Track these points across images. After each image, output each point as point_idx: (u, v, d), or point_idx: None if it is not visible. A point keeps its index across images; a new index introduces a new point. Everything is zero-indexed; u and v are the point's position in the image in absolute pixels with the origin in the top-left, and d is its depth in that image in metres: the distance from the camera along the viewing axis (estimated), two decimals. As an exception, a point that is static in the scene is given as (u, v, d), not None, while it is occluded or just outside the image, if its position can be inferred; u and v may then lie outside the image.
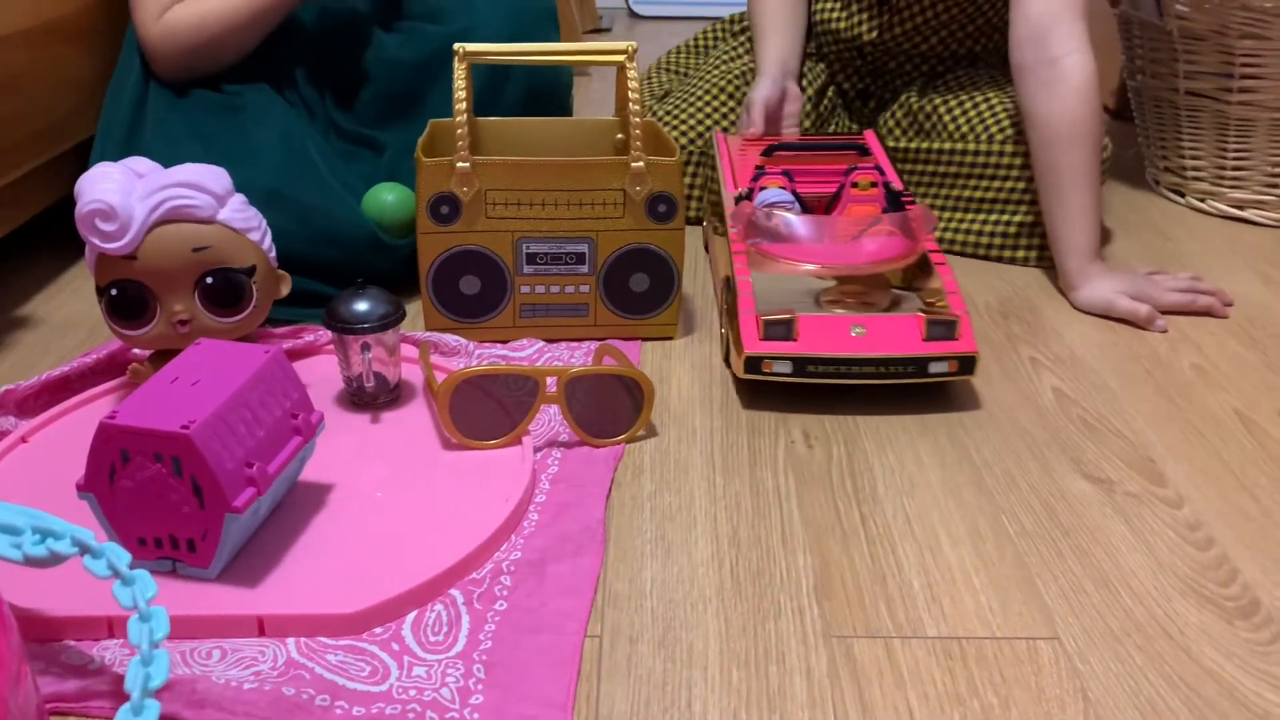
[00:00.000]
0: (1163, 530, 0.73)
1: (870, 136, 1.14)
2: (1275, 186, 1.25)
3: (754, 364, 0.85)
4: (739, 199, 1.00)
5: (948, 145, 1.17)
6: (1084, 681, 0.60)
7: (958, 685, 0.59)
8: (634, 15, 2.35)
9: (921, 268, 0.94)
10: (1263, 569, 0.69)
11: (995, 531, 0.73)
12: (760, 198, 1.00)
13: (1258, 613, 0.65)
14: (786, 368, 0.84)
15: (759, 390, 0.89)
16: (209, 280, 0.77)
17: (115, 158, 1.03)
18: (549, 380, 0.79)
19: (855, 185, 1.00)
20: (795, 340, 0.85)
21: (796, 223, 0.94)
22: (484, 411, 0.79)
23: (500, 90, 1.22)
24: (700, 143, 1.25)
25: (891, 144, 1.22)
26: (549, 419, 0.84)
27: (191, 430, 0.61)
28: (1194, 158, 1.29)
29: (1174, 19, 1.23)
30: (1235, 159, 1.25)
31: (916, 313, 0.87)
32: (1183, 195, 1.33)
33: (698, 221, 1.27)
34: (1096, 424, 0.86)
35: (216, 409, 0.63)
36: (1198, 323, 1.03)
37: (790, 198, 1.01)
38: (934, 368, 0.85)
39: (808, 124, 1.27)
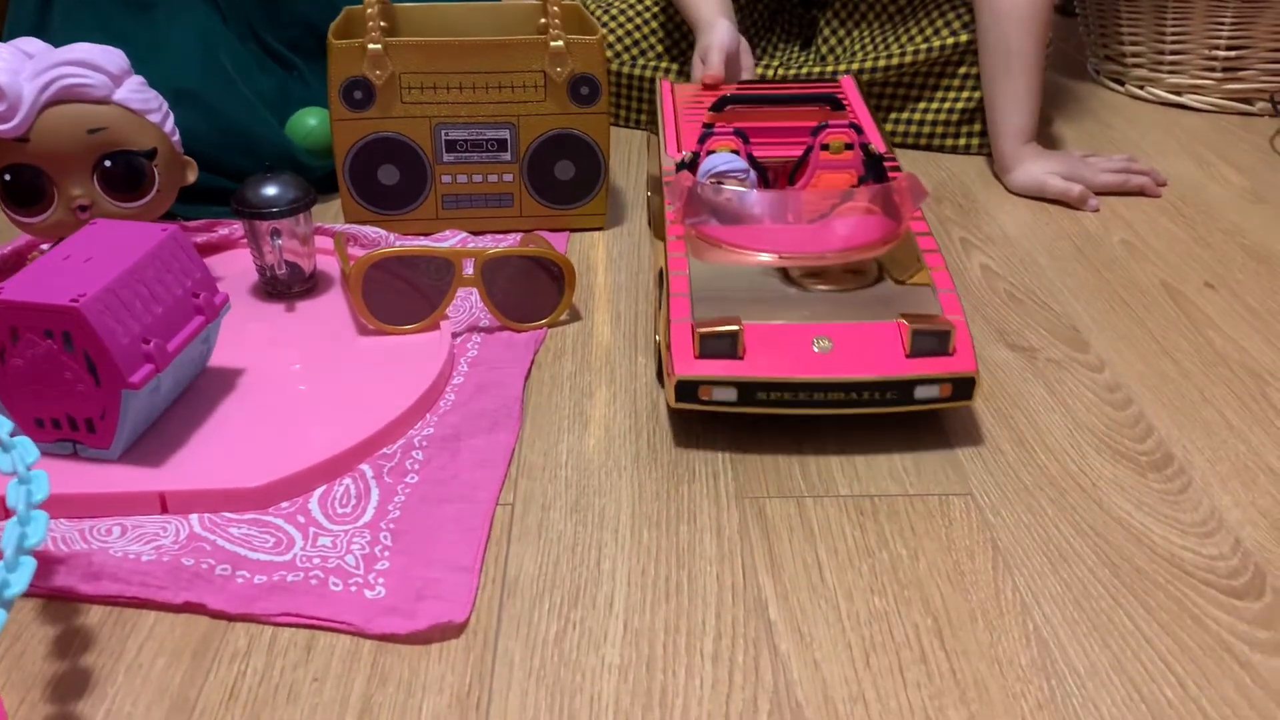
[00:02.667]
0: (1082, 392, 0.73)
1: (847, 83, 0.96)
2: (1212, 70, 1.24)
3: (688, 390, 0.65)
4: (680, 166, 0.81)
5: (908, 58, 1.12)
6: (994, 533, 0.60)
7: (868, 539, 0.59)
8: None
9: (905, 254, 0.74)
10: (1178, 425, 0.69)
11: (915, 398, 0.72)
12: (705, 165, 0.80)
13: (1170, 465, 0.66)
14: (730, 395, 0.65)
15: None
16: (107, 163, 0.74)
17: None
18: (466, 263, 0.77)
19: (826, 148, 0.79)
20: (741, 358, 0.66)
21: (747, 198, 0.74)
22: (400, 297, 0.77)
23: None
24: (627, 28, 1.21)
25: (845, 66, 1.15)
26: (470, 305, 0.82)
27: (81, 303, 0.59)
28: (1133, 43, 1.28)
29: (1112, -100, 1.21)
30: (1173, 43, 1.24)
31: (898, 318, 0.67)
32: (1122, 84, 1.31)
33: (637, 125, 1.23)
34: (1023, 297, 0.86)
35: (109, 283, 0.61)
36: (1130, 202, 1.03)
37: (743, 165, 0.80)
38: (921, 393, 0.65)
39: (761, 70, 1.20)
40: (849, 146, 0.79)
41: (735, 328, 0.65)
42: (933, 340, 0.65)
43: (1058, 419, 0.70)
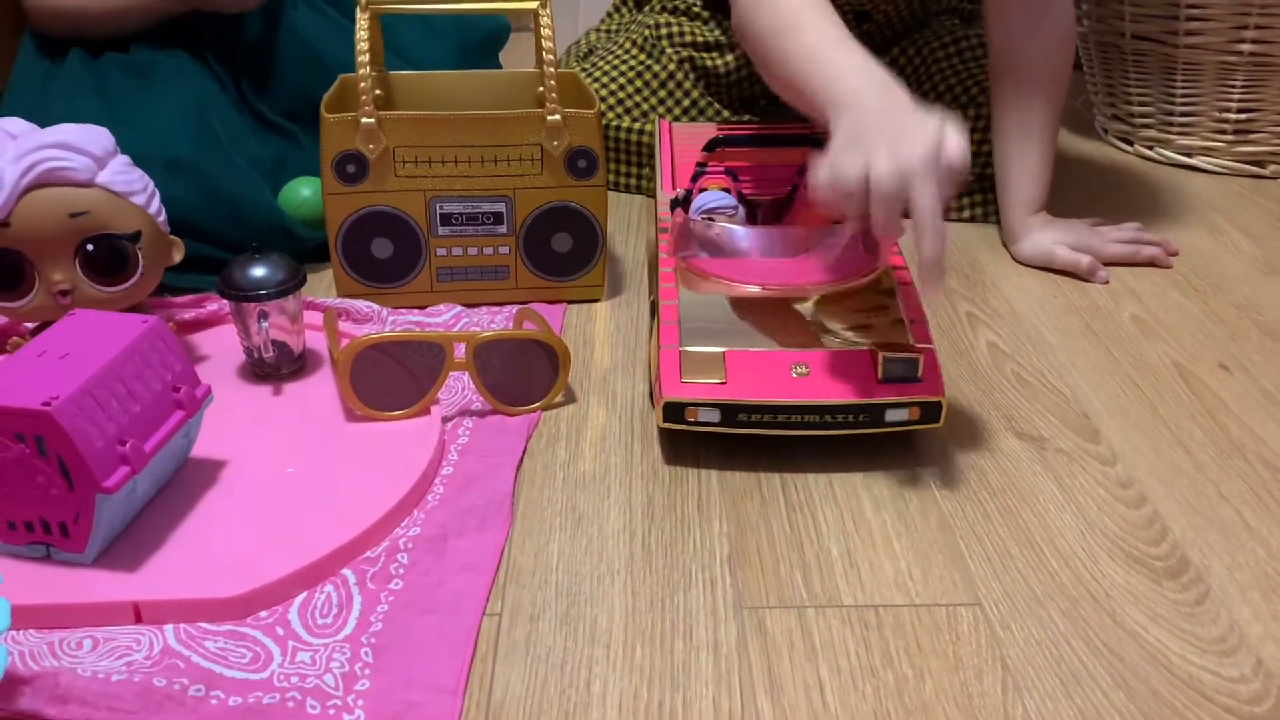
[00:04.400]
0: (1093, 488, 0.70)
1: None
2: (1223, 132, 1.22)
3: (675, 411, 0.71)
4: (674, 204, 0.86)
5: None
6: (1003, 649, 0.57)
7: (872, 657, 0.57)
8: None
9: (881, 288, 0.79)
10: (1194, 526, 0.67)
11: (920, 494, 0.70)
12: (697, 202, 0.86)
13: (1186, 572, 0.63)
14: (714, 416, 0.70)
15: (685, 352, 0.86)
16: (90, 247, 0.72)
17: (25, 112, 0.99)
18: (457, 346, 0.75)
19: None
20: (724, 382, 0.71)
21: (733, 233, 0.80)
22: (390, 381, 0.75)
23: (430, 47, 1.18)
24: (618, 95, 1.19)
25: None
26: (462, 387, 0.80)
27: (54, 407, 0.57)
28: (1141, 104, 1.26)
29: (1119, -40, 1.19)
30: (1183, 104, 1.22)
31: (870, 346, 0.73)
32: (1131, 144, 1.30)
33: (638, 190, 1.21)
34: (1031, 379, 0.83)
35: (84, 383, 0.59)
36: (1140, 273, 1.00)
37: (733, 202, 0.86)
38: (891, 416, 0.70)
39: None
40: None
41: (719, 352, 0.71)
42: (902, 367, 0.71)
43: (1069, 519, 0.67)
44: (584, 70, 1.22)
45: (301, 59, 1.09)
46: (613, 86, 1.19)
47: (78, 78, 0.99)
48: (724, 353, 0.72)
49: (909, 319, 0.75)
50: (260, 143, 1.04)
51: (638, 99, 1.18)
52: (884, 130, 0.67)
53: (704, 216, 0.84)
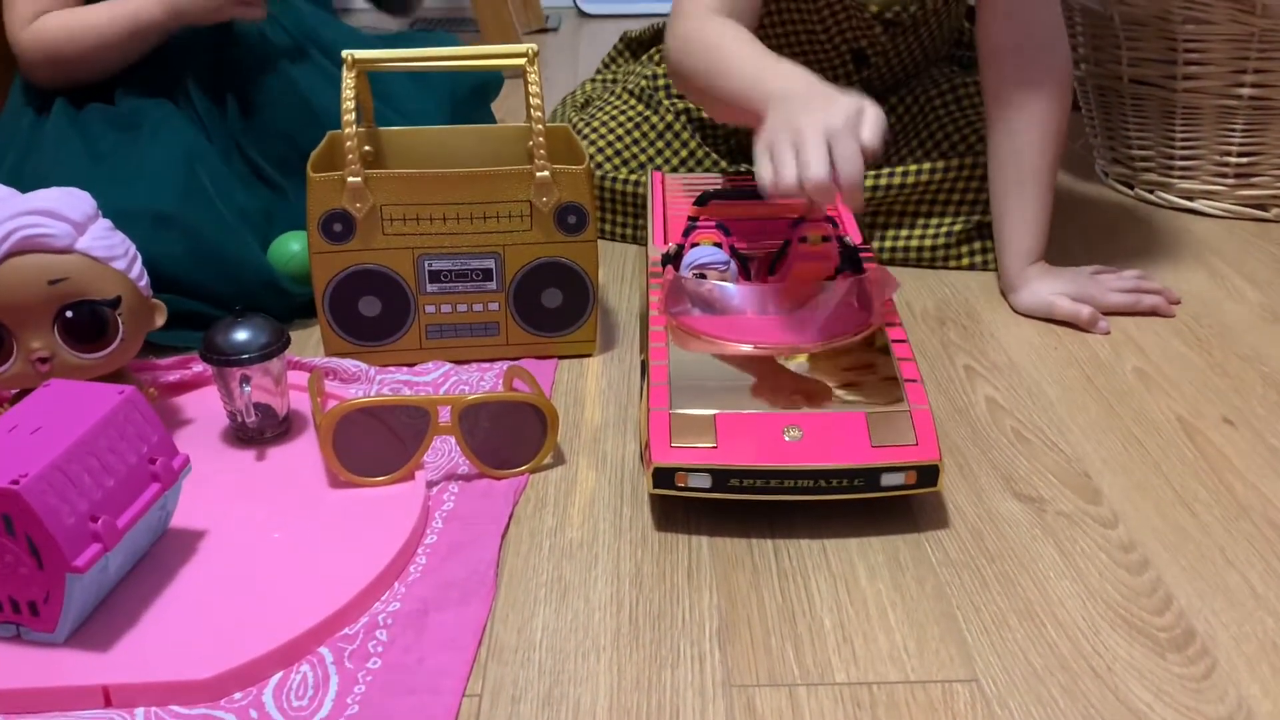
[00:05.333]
0: (1094, 553, 0.68)
1: None
2: (1224, 176, 1.20)
3: (665, 477, 0.68)
4: (665, 259, 0.85)
5: (910, 178, 1.07)
6: (1002, 729, 0.55)
7: (864, 739, 0.55)
8: (582, 14, 2.29)
9: (875, 345, 0.77)
10: (1199, 593, 0.65)
11: (917, 560, 0.68)
12: (689, 257, 0.84)
13: (1192, 644, 0.61)
14: (704, 481, 0.68)
15: (677, 410, 0.84)
16: (69, 314, 0.71)
17: (8, 173, 0.99)
18: (442, 410, 0.74)
19: (804, 240, 0.83)
20: (715, 446, 0.69)
21: (724, 290, 0.79)
22: (374, 445, 0.74)
23: (421, 96, 1.18)
24: (615, 146, 1.18)
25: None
26: (449, 448, 0.78)
27: (22, 485, 0.55)
28: (1141, 147, 1.25)
29: (1115, 4, 1.18)
30: (1183, 148, 1.21)
31: (861, 408, 0.71)
32: (1131, 187, 1.28)
33: (635, 240, 1.20)
34: (1031, 436, 0.82)
35: (54, 459, 0.58)
36: (1142, 323, 0.99)
37: (724, 257, 0.84)
38: (887, 480, 0.68)
39: None
40: (825, 239, 0.83)
41: (709, 414, 0.70)
42: (896, 430, 0.69)
43: (1069, 585, 0.65)
44: (582, 120, 1.21)
45: (292, 107, 1.08)
46: (610, 137, 1.18)
47: (62, 132, 0.99)
48: (715, 415, 0.70)
49: (904, 378, 0.73)
50: (249, 194, 1.04)
51: (635, 149, 1.18)
52: (810, 107, 0.77)
53: (695, 272, 0.83)
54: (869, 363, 0.76)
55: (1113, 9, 1.19)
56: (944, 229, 1.09)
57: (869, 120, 0.75)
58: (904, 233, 1.11)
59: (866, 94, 0.79)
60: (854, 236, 0.90)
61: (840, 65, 1.14)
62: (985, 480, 0.76)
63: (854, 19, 1.09)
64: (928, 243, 1.10)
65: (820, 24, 1.11)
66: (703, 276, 0.83)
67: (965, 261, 1.10)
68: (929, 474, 0.69)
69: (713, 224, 0.87)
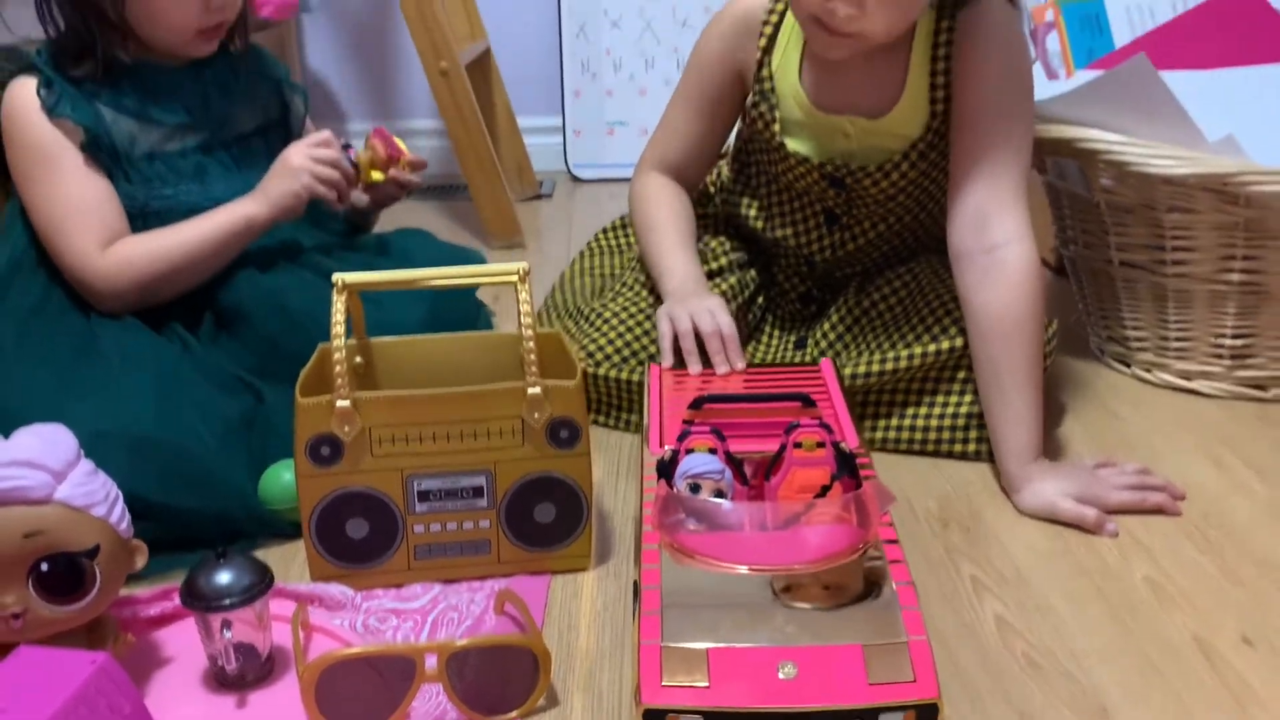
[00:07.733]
0: (1119, 809, 0.65)
1: (826, 368, 1.03)
2: (1220, 357, 1.20)
3: (656, 718, 0.65)
4: (660, 466, 0.84)
5: (902, 363, 1.08)
6: None
7: None
8: (574, 179, 2.33)
9: (871, 560, 0.75)
10: None
11: (930, 820, 0.64)
12: (683, 466, 0.83)
13: None
14: None
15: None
16: (44, 567, 0.69)
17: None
18: (428, 657, 0.71)
19: (799, 445, 0.83)
20: (708, 685, 0.66)
21: (719, 507, 0.78)
22: (359, 693, 0.70)
23: (407, 316, 1.14)
24: (625, 338, 1.16)
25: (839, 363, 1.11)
26: (434, 693, 0.75)
27: (-19, 784, 0.52)
28: (1135, 328, 1.25)
29: (1100, 192, 1.19)
30: (1177, 329, 1.21)
31: (857, 638, 0.68)
32: (1128, 365, 1.28)
33: (639, 430, 1.17)
34: (1043, 661, 0.78)
35: (18, 749, 0.55)
36: (1150, 523, 0.96)
37: (719, 466, 0.83)
38: None
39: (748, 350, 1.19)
40: (820, 445, 0.83)
41: (702, 649, 0.67)
42: (893, 665, 0.66)
43: None
44: (594, 310, 1.19)
45: (267, 311, 1.07)
46: (621, 330, 1.15)
47: (33, 368, 0.96)
48: (707, 650, 0.67)
49: (901, 604, 0.70)
50: (228, 399, 1.01)
51: (644, 340, 1.15)
52: (685, 302, 1.09)
53: (689, 482, 0.82)
54: (866, 582, 0.73)
55: (1099, 196, 1.20)
56: (947, 411, 1.08)
57: (719, 311, 1.07)
58: (903, 421, 1.10)
59: (841, 252, 1.15)
60: (850, 441, 0.88)
61: (814, 222, 1.18)
62: (1000, 715, 0.73)
63: (810, 174, 1.13)
64: (930, 434, 1.09)
65: (793, 177, 1.15)
66: (696, 488, 0.81)
67: (971, 448, 1.07)
68: (928, 713, 0.65)
69: (707, 429, 0.86)
